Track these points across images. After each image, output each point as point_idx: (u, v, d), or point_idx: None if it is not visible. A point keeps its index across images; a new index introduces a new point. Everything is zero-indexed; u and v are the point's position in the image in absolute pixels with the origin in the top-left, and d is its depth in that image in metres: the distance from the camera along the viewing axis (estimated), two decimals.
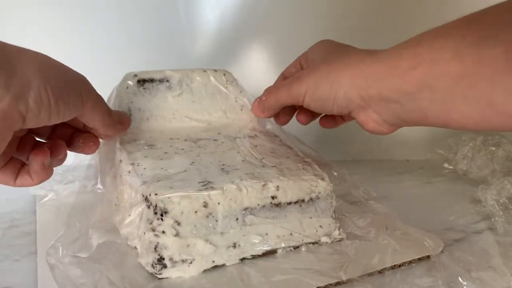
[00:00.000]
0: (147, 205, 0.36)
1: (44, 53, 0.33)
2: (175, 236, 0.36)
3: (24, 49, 0.32)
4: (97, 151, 0.45)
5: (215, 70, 0.52)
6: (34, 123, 0.31)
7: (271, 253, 0.40)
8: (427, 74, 0.34)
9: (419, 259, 0.40)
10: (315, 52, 0.45)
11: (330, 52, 0.43)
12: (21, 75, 0.29)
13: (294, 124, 0.59)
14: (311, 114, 0.48)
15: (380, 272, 0.38)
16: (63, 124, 0.38)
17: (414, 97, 0.36)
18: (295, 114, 0.49)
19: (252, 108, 0.49)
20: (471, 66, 0.32)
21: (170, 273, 0.36)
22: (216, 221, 0.37)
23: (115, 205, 0.43)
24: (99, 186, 0.41)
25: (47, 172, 0.36)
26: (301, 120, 0.48)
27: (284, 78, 0.49)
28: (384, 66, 0.37)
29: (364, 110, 0.40)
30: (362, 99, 0.39)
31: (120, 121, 0.43)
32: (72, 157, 0.49)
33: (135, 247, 0.38)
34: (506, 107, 0.31)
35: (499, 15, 0.32)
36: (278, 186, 0.39)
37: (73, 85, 0.34)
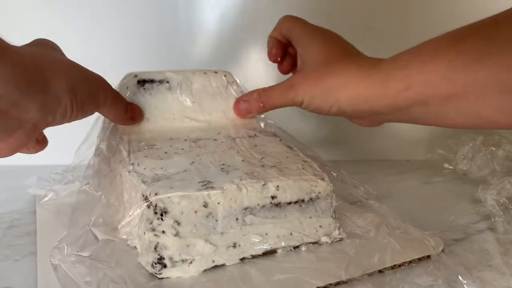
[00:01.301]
0: (147, 205, 0.36)
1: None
2: (175, 236, 0.36)
3: (57, 60, 0.35)
4: (97, 152, 0.45)
5: (215, 72, 0.52)
6: (53, 125, 0.35)
7: (271, 252, 0.40)
8: (419, 94, 0.37)
9: (419, 258, 0.40)
10: (309, 51, 0.46)
11: (324, 59, 0.44)
12: (54, 93, 0.32)
13: (294, 124, 0.59)
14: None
15: (380, 271, 0.38)
16: None
17: (407, 111, 0.39)
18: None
19: (242, 112, 0.50)
20: (460, 88, 0.35)
21: (170, 273, 0.36)
22: (216, 221, 0.37)
23: (115, 205, 0.43)
24: (90, 186, 0.41)
25: (42, 145, 0.41)
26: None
27: (274, 41, 0.51)
28: (378, 87, 0.39)
29: (357, 118, 0.45)
30: (355, 112, 0.43)
31: (132, 116, 0.46)
32: (72, 157, 0.49)
33: (135, 247, 0.38)
34: (495, 118, 0.35)
35: (481, 41, 0.34)
36: (278, 186, 0.39)
37: (93, 95, 0.38)
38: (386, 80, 0.39)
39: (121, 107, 0.43)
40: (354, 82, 0.41)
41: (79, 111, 0.35)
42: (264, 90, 0.48)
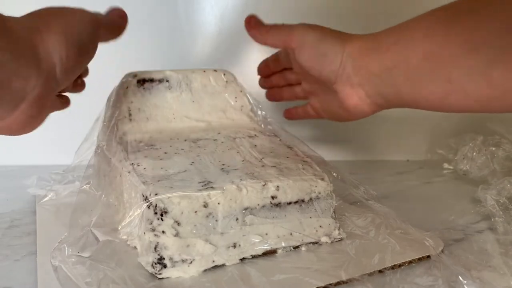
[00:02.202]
0: (147, 205, 0.36)
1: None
2: (175, 236, 0.36)
3: (40, 22, 0.34)
4: (97, 152, 0.45)
5: (215, 70, 0.52)
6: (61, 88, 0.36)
7: (271, 253, 0.40)
8: (403, 50, 0.40)
9: (419, 258, 0.40)
10: (304, 31, 0.46)
11: (321, 33, 0.45)
12: (46, 59, 0.32)
13: (293, 124, 0.59)
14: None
15: (380, 271, 0.38)
16: None
17: (391, 72, 0.40)
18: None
19: (251, 25, 0.49)
20: (436, 45, 0.37)
21: (170, 273, 0.36)
22: (216, 221, 0.37)
23: (115, 205, 0.43)
24: (91, 185, 0.41)
25: (65, 104, 0.43)
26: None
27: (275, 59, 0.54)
28: (373, 42, 0.42)
29: (350, 83, 0.44)
30: (353, 68, 0.43)
31: (117, 28, 0.41)
32: (72, 157, 0.49)
33: (135, 247, 0.38)
34: (462, 83, 0.36)
35: (461, 3, 0.37)
36: (278, 186, 0.39)
37: (84, 43, 0.36)
38: (381, 37, 0.42)
39: (97, 34, 0.39)
40: (354, 39, 0.43)
41: (76, 67, 0.35)
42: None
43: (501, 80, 0.35)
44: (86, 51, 0.37)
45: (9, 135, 0.35)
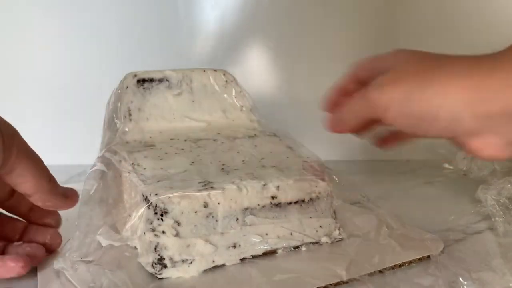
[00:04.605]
0: (147, 205, 0.36)
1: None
2: (175, 236, 0.36)
3: None
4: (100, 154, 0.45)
5: (214, 70, 0.52)
6: None
7: (271, 253, 0.40)
8: None
9: (419, 259, 0.40)
10: (393, 61, 0.34)
11: (415, 61, 0.32)
12: None
13: (293, 123, 0.59)
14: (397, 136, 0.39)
15: (380, 271, 0.38)
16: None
17: None
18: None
19: (328, 125, 0.37)
20: None
21: (170, 273, 0.36)
22: (216, 221, 0.37)
23: (116, 206, 0.43)
24: (95, 189, 0.41)
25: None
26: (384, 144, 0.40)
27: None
28: (507, 73, 0.28)
29: (478, 135, 0.31)
30: (477, 119, 0.29)
31: (65, 194, 0.39)
32: (70, 157, 0.49)
33: (135, 247, 0.38)
34: None
35: None
36: (278, 186, 0.39)
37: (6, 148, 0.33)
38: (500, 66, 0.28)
39: (39, 168, 0.36)
40: (468, 69, 0.29)
41: None
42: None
43: None
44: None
45: None
